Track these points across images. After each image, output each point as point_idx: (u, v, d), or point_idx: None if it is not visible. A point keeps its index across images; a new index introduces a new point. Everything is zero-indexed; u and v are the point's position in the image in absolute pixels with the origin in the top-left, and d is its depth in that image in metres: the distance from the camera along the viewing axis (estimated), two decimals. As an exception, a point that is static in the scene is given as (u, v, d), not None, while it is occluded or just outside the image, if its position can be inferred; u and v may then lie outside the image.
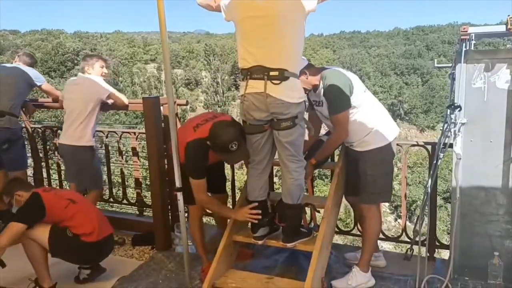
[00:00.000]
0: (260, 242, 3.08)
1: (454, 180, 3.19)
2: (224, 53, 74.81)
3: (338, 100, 2.97)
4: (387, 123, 3.17)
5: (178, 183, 3.01)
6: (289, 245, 3.02)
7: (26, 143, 4.71)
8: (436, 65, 3.20)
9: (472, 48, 3.11)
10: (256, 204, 3.02)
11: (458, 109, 3.07)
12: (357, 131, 3.07)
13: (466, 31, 3.01)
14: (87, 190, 4.21)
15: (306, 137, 3.17)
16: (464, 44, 3.03)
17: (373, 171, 3.09)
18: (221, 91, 68.52)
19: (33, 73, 4.44)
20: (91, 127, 3.93)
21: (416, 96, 67.82)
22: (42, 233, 3.06)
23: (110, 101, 4.03)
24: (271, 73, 2.70)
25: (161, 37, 2.86)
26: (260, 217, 3.01)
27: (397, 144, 3.68)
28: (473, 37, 3.05)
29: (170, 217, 3.97)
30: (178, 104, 3.93)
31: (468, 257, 3.25)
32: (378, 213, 3.23)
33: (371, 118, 3.08)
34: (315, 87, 3.12)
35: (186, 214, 3.30)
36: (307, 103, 3.11)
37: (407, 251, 3.66)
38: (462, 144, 3.15)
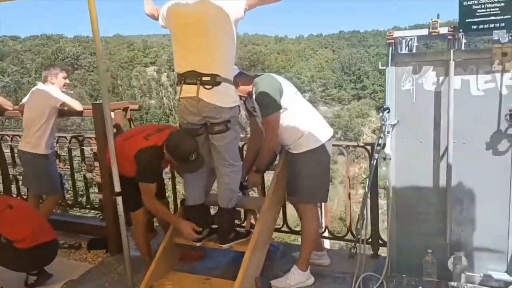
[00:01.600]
0: (198, 244, 3.16)
1: (388, 180, 3.28)
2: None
3: (267, 103, 3.05)
4: (320, 125, 3.25)
5: (116, 188, 3.10)
6: (224, 246, 3.11)
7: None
8: (380, 67, 3.25)
9: (403, 50, 3.19)
10: (200, 229, 3.12)
11: (387, 111, 3.16)
12: (291, 133, 3.16)
13: (392, 35, 3.08)
14: (45, 196, 4.31)
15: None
16: (391, 48, 3.11)
17: (307, 172, 3.17)
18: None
19: None
20: (47, 136, 4.05)
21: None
22: None
23: (65, 108, 4.15)
24: (204, 78, 2.80)
25: (95, 44, 2.96)
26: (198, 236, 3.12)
27: (338, 145, 3.79)
28: (399, 40, 3.12)
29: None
30: (131, 109, 4.03)
31: (404, 255, 3.33)
32: (314, 213, 3.31)
33: (303, 121, 3.16)
34: (250, 94, 3.20)
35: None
36: (242, 108, 3.19)
37: (350, 249, 3.74)
38: (394, 144, 3.23)
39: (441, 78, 3.03)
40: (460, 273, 3.10)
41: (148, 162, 3.06)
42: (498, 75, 2.88)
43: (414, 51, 3.13)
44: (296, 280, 3.27)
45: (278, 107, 3.06)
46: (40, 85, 4.25)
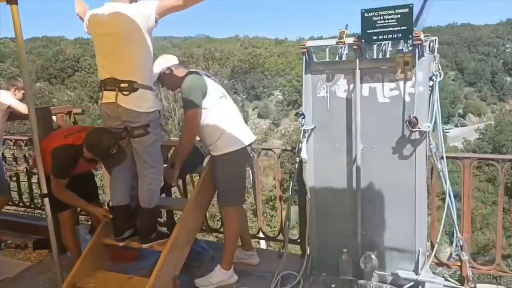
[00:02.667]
0: (121, 244, 3.31)
1: (305, 182, 3.43)
2: (223, 57, 75.19)
3: (187, 99, 3.19)
4: (240, 130, 3.38)
5: (43, 189, 3.25)
6: (144, 245, 3.27)
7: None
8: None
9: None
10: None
11: (302, 116, 3.31)
12: (210, 133, 3.31)
13: (305, 45, 3.23)
14: None
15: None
16: (304, 57, 3.25)
17: (223, 175, 3.32)
18: (219, 95, 68.80)
19: None
20: None
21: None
22: None
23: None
24: (122, 85, 2.98)
25: (18, 48, 3.11)
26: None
27: (268, 149, 3.94)
28: (312, 50, 3.27)
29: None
30: (74, 113, 4.19)
31: (324, 254, 3.47)
32: (233, 215, 3.44)
33: (223, 123, 3.30)
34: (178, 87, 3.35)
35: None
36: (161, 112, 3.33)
37: (279, 249, 3.87)
38: (312, 148, 3.37)
39: (351, 86, 3.17)
40: (371, 272, 3.24)
41: (62, 159, 3.20)
42: (401, 83, 3.02)
43: (344, 58, 3.28)
44: (218, 278, 3.41)
45: (197, 105, 3.19)
46: None
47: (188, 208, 3.32)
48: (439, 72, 3.20)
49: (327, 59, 3.42)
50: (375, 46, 3.41)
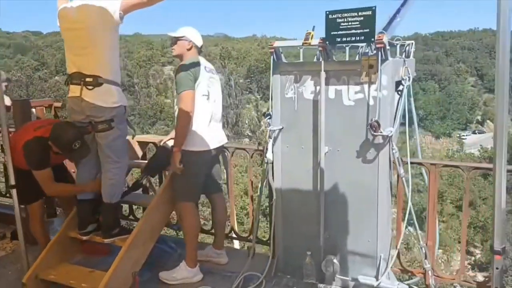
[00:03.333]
0: (84, 238, 3.34)
1: (270, 183, 3.41)
2: (240, 56, 75.34)
3: (181, 80, 3.20)
4: (208, 133, 3.34)
5: (11, 181, 3.29)
6: (106, 240, 3.29)
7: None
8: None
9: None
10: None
11: (269, 117, 3.29)
12: None
13: (273, 45, 3.21)
14: None
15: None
16: (272, 57, 3.24)
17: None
18: (234, 94, 68.91)
19: None
20: None
21: (432, 102, 66.92)
22: None
23: None
24: (87, 79, 3.02)
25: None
26: None
27: (241, 149, 3.93)
28: (281, 50, 3.25)
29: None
30: (55, 107, 4.24)
31: (290, 256, 3.45)
32: (186, 211, 3.41)
33: (195, 121, 3.27)
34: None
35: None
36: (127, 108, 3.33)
37: (248, 249, 3.86)
38: (280, 149, 3.35)
39: (318, 88, 3.14)
40: (333, 276, 3.21)
41: (34, 152, 3.22)
42: (366, 86, 2.99)
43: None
44: (182, 275, 3.42)
45: (190, 87, 3.19)
46: None
47: (153, 204, 3.34)
48: (408, 77, 3.17)
49: (301, 60, 3.41)
50: (347, 48, 3.39)
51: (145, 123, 51.75)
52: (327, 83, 3.09)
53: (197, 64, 3.29)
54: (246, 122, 53.97)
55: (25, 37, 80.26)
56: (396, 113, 3.07)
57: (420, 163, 3.25)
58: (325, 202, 3.19)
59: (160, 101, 62.96)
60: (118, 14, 2.95)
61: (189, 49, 3.37)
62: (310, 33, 3.06)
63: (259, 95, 62.75)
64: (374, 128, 2.91)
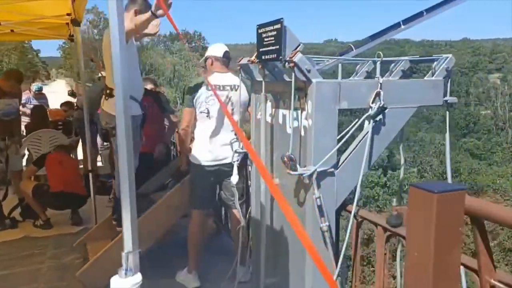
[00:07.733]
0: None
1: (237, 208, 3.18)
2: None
3: (186, 97, 3.71)
4: (202, 149, 3.60)
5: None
6: (119, 228, 3.76)
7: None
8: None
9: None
10: None
11: (234, 140, 3.13)
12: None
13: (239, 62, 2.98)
14: None
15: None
16: (240, 75, 3.06)
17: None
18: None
19: None
20: None
21: None
22: None
23: None
24: (107, 91, 3.58)
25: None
26: None
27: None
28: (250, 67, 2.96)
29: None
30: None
31: None
32: (192, 218, 3.71)
33: (196, 135, 3.66)
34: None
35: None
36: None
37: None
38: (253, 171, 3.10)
39: (273, 110, 2.77)
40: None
41: None
42: (300, 112, 2.48)
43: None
44: (181, 277, 3.72)
45: (188, 105, 3.62)
46: None
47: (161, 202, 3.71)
48: (380, 105, 2.43)
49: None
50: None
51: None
52: (276, 106, 2.70)
53: (199, 85, 3.55)
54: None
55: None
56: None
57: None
58: (266, 241, 2.80)
59: (477, 112, 58.56)
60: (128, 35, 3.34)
61: (212, 64, 3.59)
62: (260, 49, 2.71)
63: None
64: (285, 165, 2.39)
